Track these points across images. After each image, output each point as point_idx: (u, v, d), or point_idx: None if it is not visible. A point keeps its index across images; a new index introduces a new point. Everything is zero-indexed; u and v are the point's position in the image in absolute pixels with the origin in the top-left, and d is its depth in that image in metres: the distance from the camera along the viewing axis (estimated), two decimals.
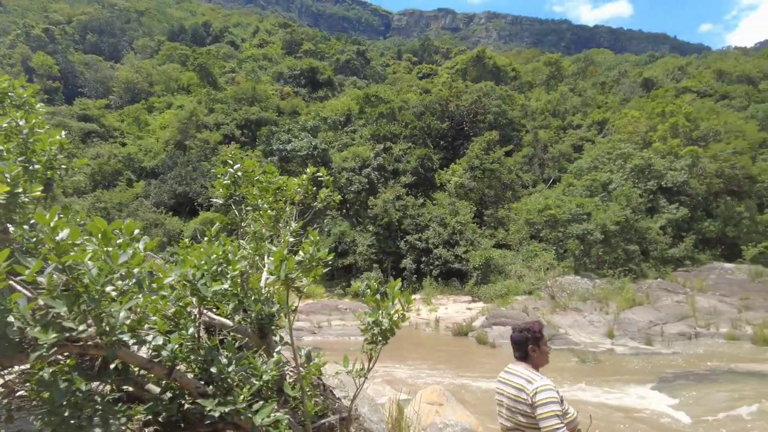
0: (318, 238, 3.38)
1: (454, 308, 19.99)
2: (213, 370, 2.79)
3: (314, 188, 5.16)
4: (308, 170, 5.05)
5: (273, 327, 3.65)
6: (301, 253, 3.10)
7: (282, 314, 4.11)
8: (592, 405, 8.77)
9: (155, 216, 27.30)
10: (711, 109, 30.29)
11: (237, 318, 3.69)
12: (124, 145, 36.48)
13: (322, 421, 3.26)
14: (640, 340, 14.36)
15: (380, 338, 3.02)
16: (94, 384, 2.89)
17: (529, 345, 3.06)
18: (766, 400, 8.70)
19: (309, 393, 3.19)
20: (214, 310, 3.85)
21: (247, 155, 4.14)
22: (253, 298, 3.53)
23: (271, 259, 3.20)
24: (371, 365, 3.22)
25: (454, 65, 42.95)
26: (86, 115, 39.04)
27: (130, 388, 3.32)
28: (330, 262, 3.15)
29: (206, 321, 3.78)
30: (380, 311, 3.01)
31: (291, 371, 3.86)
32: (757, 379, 10.16)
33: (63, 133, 4.22)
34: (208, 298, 2.84)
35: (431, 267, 22.77)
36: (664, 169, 24.25)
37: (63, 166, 4.13)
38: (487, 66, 40.48)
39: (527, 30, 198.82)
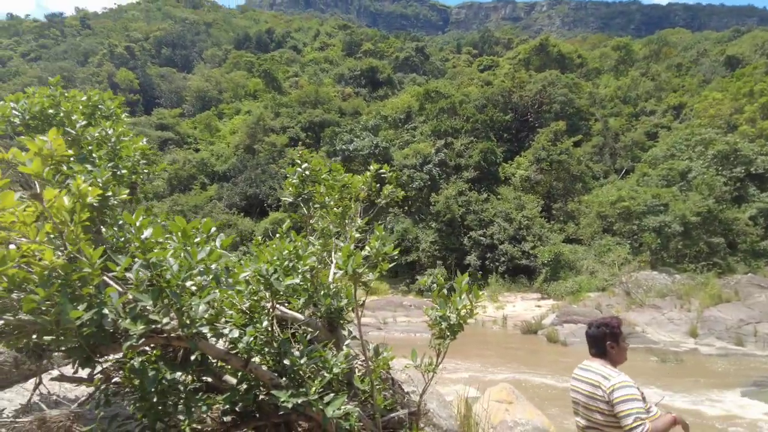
0: (383, 233, 3.40)
1: (522, 306, 19.48)
2: (286, 362, 2.88)
3: (377, 185, 5.20)
4: (372, 167, 5.09)
5: (342, 321, 3.72)
6: (367, 248, 3.13)
7: (350, 309, 4.19)
8: (674, 409, 8.22)
9: (228, 217, 28.71)
10: None
11: (307, 312, 3.81)
12: (197, 150, 38.64)
13: (392, 415, 3.28)
14: (729, 340, 13.26)
15: (448, 333, 2.99)
16: (178, 374, 3.08)
17: (607, 341, 2.91)
18: None
19: (378, 387, 3.22)
20: (286, 304, 3.99)
21: (312, 156, 4.24)
22: (322, 292, 3.62)
23: (339, 254, 3.26)
24: (440, 360, 3.20)
25: (516, 55, 41.70)
26: (163, 124, 41.75)
27: (209, 379, 3.53)
28: (395, 258, 3.16)
29: (278, 315, 3.92)
30: (448, 306, 2.97)
31: (360, 365, 3.91)
32: None
33: (144, 140, 4.54)
34: (281, 293, 2.94)
35: (497, 263, 22.30)
36: (753, 153, 22.23)
37: (145, 171, 4.44)
38: (551, 54, 38.96)
39: (592, 14, 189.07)
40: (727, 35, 51.06)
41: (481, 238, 22.92)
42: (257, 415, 3.22)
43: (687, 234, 19.78)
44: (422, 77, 47.50)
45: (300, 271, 3.07)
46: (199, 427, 3.30)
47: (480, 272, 22.75)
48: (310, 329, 3.88)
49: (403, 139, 29.96)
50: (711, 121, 26.02)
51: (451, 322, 2.95)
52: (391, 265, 3.50)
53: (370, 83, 44.16)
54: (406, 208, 26.20)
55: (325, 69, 50.80)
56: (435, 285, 3.08)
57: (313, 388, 2.84)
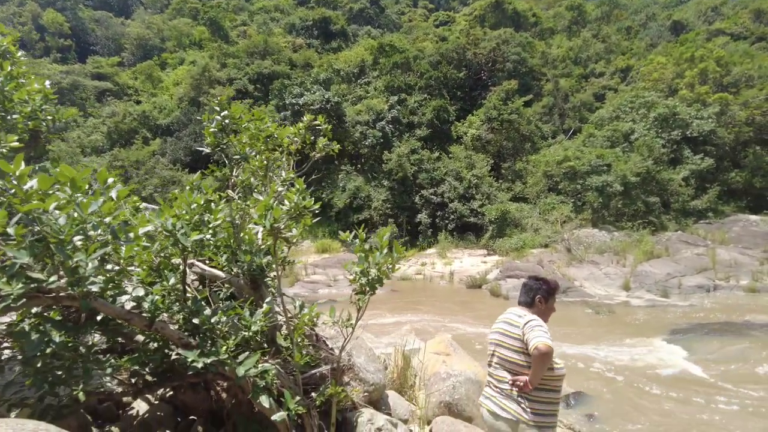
0: (304, 186, 3.24)
1: (469, 262, 19.97)
2: (196, 321, 2.74)
3: (312, 138, 4.97)
4: (305, 118, 4.85)
5: (265, 278, 3.59)
6: (286, 201, 2.97)
7: (287, 264, 4.04)
8: (602, 357, 8.74)
9: (172, 173, 27.48)
10: (745, 53, 28.54)
11: (234, 270, 3.64)
12: (138, 103, 36.36)
13: (313, 371, 3.23)
14: (657, 293, 14.18)
15: (368, 288, 2.92)
16: (84, 337, 2.88)
17: (538, 294, 2.98)
18: None
19: (301, 344, 3.14)
20: (208, 261, 3.80)
21: (259, 109, 3.96)
22: (243, 248, 3.45)
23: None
24: (360, 315, 3.14)
25: (472, 12, 41.01)
26: (100, 74, 38.85)
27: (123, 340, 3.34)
28: (317, 211, 3.02)
29: (198, 272, 3.73)
30: (368, 261, 2.89)
31: (290, 323, 3.81)
32: None
33: (47, 83, 4.09)
34: (189, 249, 2.75)
35: (447, 221, 22.64)
36: (690, 118, 23.21)
37: (49, 117, 4.02)
38: (506, 12, 38.57)
39: None
40: (675, 0, 52.23)
41: (432, 196, 23.10)
42: (170, 376, 3.09)
43: (626, 193, 20.66)
44: (377, 30, 46.14)
45: (211, 225, 2.88)
46: (110, 389, 3.14)
47: (430, 230, 23.07)
48: (236, 288, 3.73)
49: (356, 94, 29.27)
50: (654, 85, 26.80)
51: (371, 277, 2.87)
52: (315, 220, 3.37)
53: (322, 34, 42.48)
54: (359, 165, 25.93)
55: (276, 18, 48.34)
56: (357, 240, 2.98)
57: (224, 347, 2.72)
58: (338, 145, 5.14)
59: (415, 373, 6.31)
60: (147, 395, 3.85)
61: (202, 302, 2.97)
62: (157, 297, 2.67)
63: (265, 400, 2.77)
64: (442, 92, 28.58)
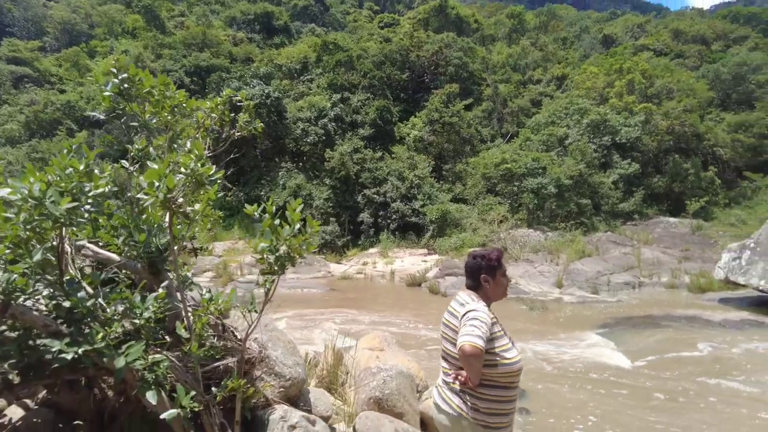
0: (205, 151, 2.88)
1: (410, 261, 19.93)
2: (67, 304, 2.32)
3: (233, 115, 4.58)
4: (225, 92, 4.46)
5: (165, 262, 3.18)
6: (182, 169, 2.60)
7: (192, 251, 3.64)
8: (536, 351, 8.84)
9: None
10: (666, 67, 30.58)
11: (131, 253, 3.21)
12: (62, 92, 33.80)
13: (217, 364, 2.86)
14: (587, 290, 14.69)
15: (276, 267, 2.61)
16: None
17: (482, 273, 2.67)
18: (699, 342, 9.01)
19: (202, 333, 2.77)
20: (101, 243, 3.35)
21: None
22: (133, 226, 3.03)
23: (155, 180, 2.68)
24: (269, 298, 2.83)
25: (416, 15, 41.42)
26: (17, 58, 35.80)
27: None
28: (219, 180, 2.67)
29: (91, 255, 3.27)
30: (276, 237, 2.57)
31: (195, 312, 3.39)
32: (689, 322, 10.54)
33: None
34: (62, 220, 2.33)
35: (389, 221, 22.54)
36: (619, 125, 24.49)
37: None
38: (449, 17, 39.23)
39: None
40: (606, 16, 55.47)
41: (375, 196, 22.94)
42: (41, 373, 2.62)
43: (560, 195, 21.42)
44: (321, 28, 45.58)
45: (91, 195, 2.47)
46: None
47: (372, 229, 22.88)
48: (134, 274, 3.30)
49: (298, 90, 28.66)
50: (587, 93, 28.07)
51: (280, 254, 2.56)
52: (220, 195, 3.01)
53: (264, 29, 41.40)
54: (300, 163, 25.34)
55: (216, 11, 46.62)
56: (266, 215, 2.66)
57: (100, 334, 2.31)
58: (262, 125, 4.78)
59: (347, 370, 6.03)
60: (24, 399, 3.33)
61: (82, 284, 2.55)
62: (15, 276, 2.23)
63: (151, 396, 2.39)
64: (385, 92, 28.54)
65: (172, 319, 3.01)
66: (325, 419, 3.77)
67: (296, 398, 3.63)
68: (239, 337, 3.16)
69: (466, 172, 24.68)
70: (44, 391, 3.18)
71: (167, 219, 3.40)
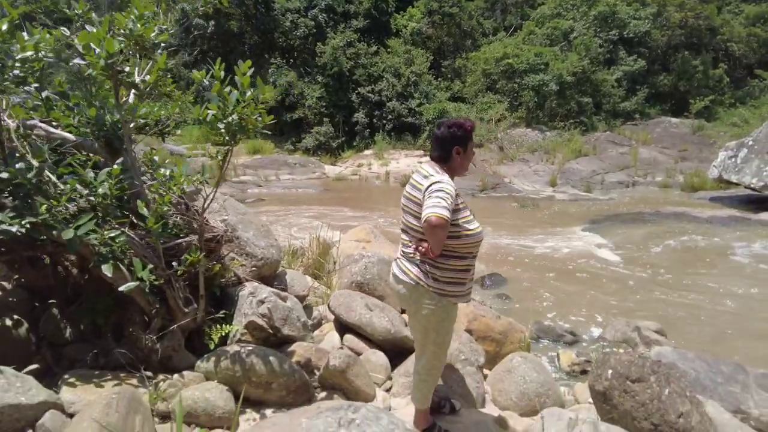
0: (165, 25, 2.62)
1: (405, 162, 19.75)
2: (4, 175, 2.21)
3: None
4: None
5: (124, 140, 3.03)
6: (121, 31, 2.35)
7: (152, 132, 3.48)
8: (522, 245, 9.01)
9: None
10: None
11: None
12: None
13: (178, 240, 2.84)
14: (580, 188, 14.74)
15: (228, 138, 2.47)
16: None
17: (455, 145, 2.47)
18: (684, 237, 9.16)
19: (161, 210, 2.70)
20: (54, 123, 3.18)
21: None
22: (89, 103, 2.84)
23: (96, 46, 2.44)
24: (223, 171, 2.72)
25: None
26: None
27: None
28: (165, 44, 2.44)
29: (43, 135, 3.11)
30: (223, 104, 2.40)
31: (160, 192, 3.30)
32: (678, 219, 10.64)
33: None
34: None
35: (384, 121, 21.96)
36: (628, 17, 22.95)
37: None
38: None
39: None
40: None
41: (370, 94, 22.12)
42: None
43: (561, 93, 20.67)
44: None
45: (18, 58, 2.25)
46: None
47: (368, 130, 22.39)
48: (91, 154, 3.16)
49: None
50: None
51: (230, 121, 2.40)
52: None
53: None
54: (291, 60, 24.14)
55: None
56: (214, 80, 2.46)
57: (44, 206, 2.24)
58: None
59: (334, 260, 6.14)
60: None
61: (27, 158, 2.43)
62: None
63: (107, 269, 2.37)
64: None
65: (134, 198, 2.93)
66: (302, 298, 3.87)
67: (270, 278, 3.68)
68: (206, 218, 3.11)
69: (465, 68, 23.59)
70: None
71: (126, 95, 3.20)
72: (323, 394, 2.91)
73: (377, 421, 1.06)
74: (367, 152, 21.77)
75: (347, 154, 21.71)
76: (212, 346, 2.89)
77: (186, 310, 2.77)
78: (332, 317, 3.83)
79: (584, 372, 4.05)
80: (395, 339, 3.34)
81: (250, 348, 2.74)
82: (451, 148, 2.49)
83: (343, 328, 3.56)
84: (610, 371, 2.26)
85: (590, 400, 3.07)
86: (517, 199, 13.43)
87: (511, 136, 19.20)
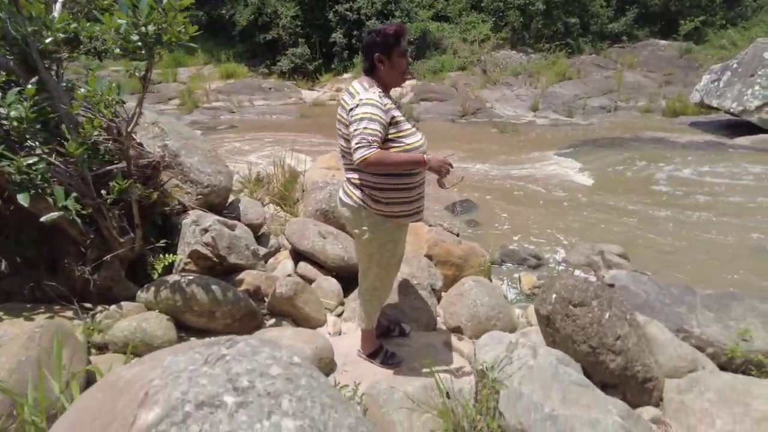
0: None
1: None
2: None
3: None
4: None
5: (47, 57, 2.73)
6: None
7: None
8: (497, 170, 8.91)
9: None
10: None
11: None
12: None
13: (108, 168, 2.64)
14: (562, 113, 14.48)
15: (144, 51, 2.21)
16: None
17: (375, 53, 2.26)
18: (659, 163, 9.13)
19: (89, 134, 2.47)
20: None
21: None
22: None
23: None
24: (143, 91, 2.48)
25: None
26: None
27: None
28: None
29: None
30: (133, 12, 2.11)
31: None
32: (655, 144, 10.57)
33: None
34: None
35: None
36: None
37: None
38: None
39: None
40: None
41: (348, 12, 20.84)
42: None
43: (548, 13, 19.74)
44: None
45: None
46: None
47: (346, 51, 21.35)
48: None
49: None
50: None
51: (146, 32, 2.14)
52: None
53: None
54: None
55: None
56: None
57: None
58: None
59: (303, 188, 5.99)
60: None
61: None
62: None
63: (24, 198, 2.20)
64: None
65: (58, 122, 2.69)
66: (257, 227, 3.75)
67: (220, 206, 3.54)
68: (144, 146, 2.89)
69: None
70: None
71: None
72: (272, 321, 2.88)
73: (253, 356, 0.97)
74: (346, 75, 20.89)
75: (325, 77, 20.84)
76: (155, 277, 2.80)
77: (122, 239, 2.63)
78: (290, 246, 3.75)
79: None
80: (348, 266, 3.29)
81: (191, 277, 2.65)
82: (372, 56, 2.28)
83: (298, 256, 3.48)
84: (554, 295, 2.23)
85: None
86: (497, 125, 13.16)
87: (495, 58, 18.52)
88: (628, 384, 2.10)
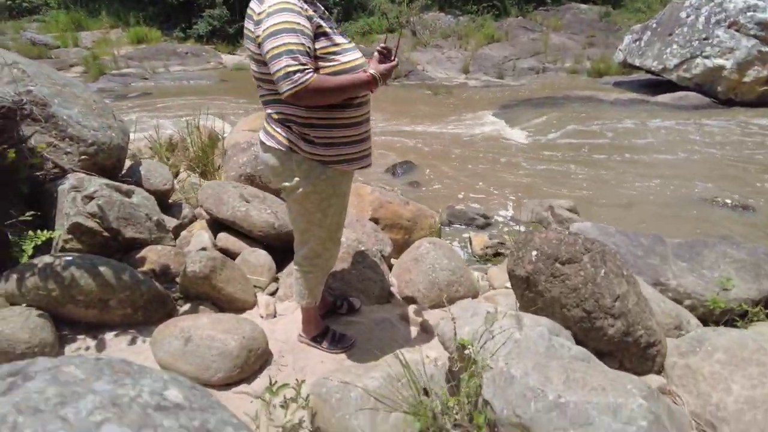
0: None
1: None
2: None
3: None
4: None
5: None
6: None
7: None
8: (433, 131, 8.56)
9: None
10: None
11: None
12: None
13: None
14: (493, 75, 14.40)
15: None
16: None
17: None
18: (590, 119, 9.17)
19: None
20: None
21: None
22: None
23: None
24: None
25: None
26: None
27: None
28: None
29: None
30: None
31: None
32: (584, 102, 10.67)
33: None
34: None
35: None
36: None
37: None
38: None
39: None
40: None
41: None
42: None
43: None
44: None
45: None
46: None
47: None
48: None
49: None
50: None
51: None
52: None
53: None
54: None
55: None
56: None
57: None
58: None
59: (226, 152, 5.28)
60: None
61: None
62: None
63: None
64: None
65: None
66: (163, 193, 3.08)
67: (114, 170, 2.83)
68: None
69: None
70: None
71: None
72: (187, 306, 2.30)
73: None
74: None
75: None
76: (24, 260, 2.11)
77: None
78: (208, 215, 3.12)
79: (497, 255, 3.78)
80: (280, 234, 2.72)
81: (69, 258, 1.99)
82: None
83: (218, 226, 2.88)
84: (534, 253, 1.83)
85: (507, 284, 2.74)
86: (430, 87, 12.82)
87: (424, 20, 18.03)
88: (628, 351, 1.77)
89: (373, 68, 1.71)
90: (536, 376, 1.43)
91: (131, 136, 4.13)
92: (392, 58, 1.79)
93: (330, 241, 2.00)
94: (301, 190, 1.81)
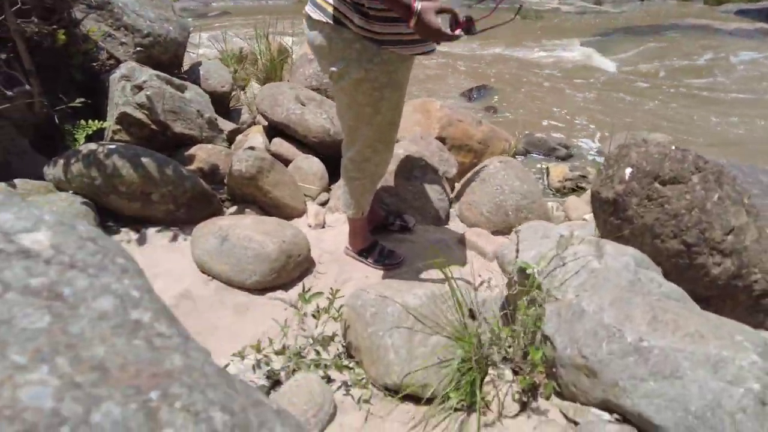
0: None
1: None
2: None
3: None
4: None
5: None
6: None
7: None
8: (516, 56, 7.85)
9: None
10: None
11: None
12: None
13: None
14: (590, 0, 12.90)
15: None
16: None
17: None
18: (699, 53, 7.97)
19: None
20: None
21: None
22: None
23: None
24: None
25: None
26: None
27: None
28: None
29: None
30: None
31: None
32: (696, 31, 9.29)
33: None
34: None
35: None
36: None
37: None
38: None
39: None
40: None
41: None
42: None
43: None
44: None
45: None
46: None
47: None
48: None
49: None
50: None
51: None
52: None
53: None
54: None
55: None
56: None
57: None
58: None
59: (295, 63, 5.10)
60: None
61: None
62: None
63: None
64: None
65: None
66: (221, 95, 2.95)
67: (171, 65, 2.71)
68: None
69: None
70: None
71: None
72: (233, 209, 2.20)
73: None
74: None
75: None
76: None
77: (9, 92, 1.87)
78: (266, 123, 2.98)
79: (577, 188, 3.38)
80: (336, 142, 2.52)
81: (113, 146, 1.91)
82: None
83: (273, 130, 2.72)
84: (629, 170, 1.48)
85: (586, 216, 2.40)
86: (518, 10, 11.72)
87: None
88: (735, 299, 1.44)
89: (424, 4, 1.35)
90: (613, 312, 1.16)
91: (200, 51, 4.04)
92: (456, 31, 1.42)
93: (381, 143, 1.73)
94: (350, 76, 1.54)
